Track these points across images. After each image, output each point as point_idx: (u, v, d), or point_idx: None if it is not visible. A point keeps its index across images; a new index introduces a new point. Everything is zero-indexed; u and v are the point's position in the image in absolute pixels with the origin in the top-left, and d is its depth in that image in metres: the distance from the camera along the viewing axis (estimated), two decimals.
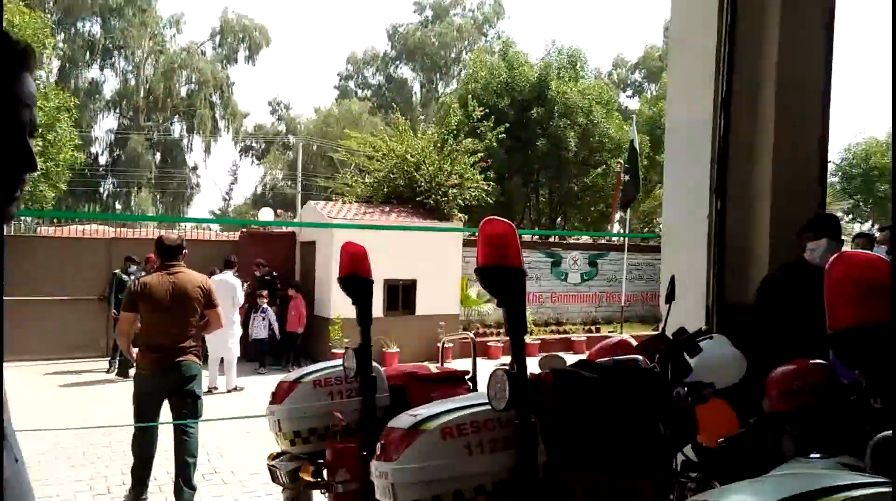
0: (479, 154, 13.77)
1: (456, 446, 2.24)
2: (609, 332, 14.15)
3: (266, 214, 13.43)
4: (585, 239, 16.52)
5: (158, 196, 39.74)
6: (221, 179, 64.45)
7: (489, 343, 12.74)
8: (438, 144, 13.26)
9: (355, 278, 3.21)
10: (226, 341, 9.00)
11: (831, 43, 3.84)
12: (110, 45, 39.42)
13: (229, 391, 9.15)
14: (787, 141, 3.72)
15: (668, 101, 4.61)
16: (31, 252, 11.42)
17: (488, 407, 2.18)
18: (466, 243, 12.85)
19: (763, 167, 3.73)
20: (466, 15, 49.53)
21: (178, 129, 43.41)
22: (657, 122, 19.32)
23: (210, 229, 14.72)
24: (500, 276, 2.09)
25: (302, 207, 16.23)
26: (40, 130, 10.12)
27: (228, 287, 9.05)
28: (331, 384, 3.25)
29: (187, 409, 4.58)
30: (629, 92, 44.68)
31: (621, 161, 18.16)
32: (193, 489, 4.57)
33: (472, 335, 4.45)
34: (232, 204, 51.08)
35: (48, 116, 10.15)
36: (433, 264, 12.18)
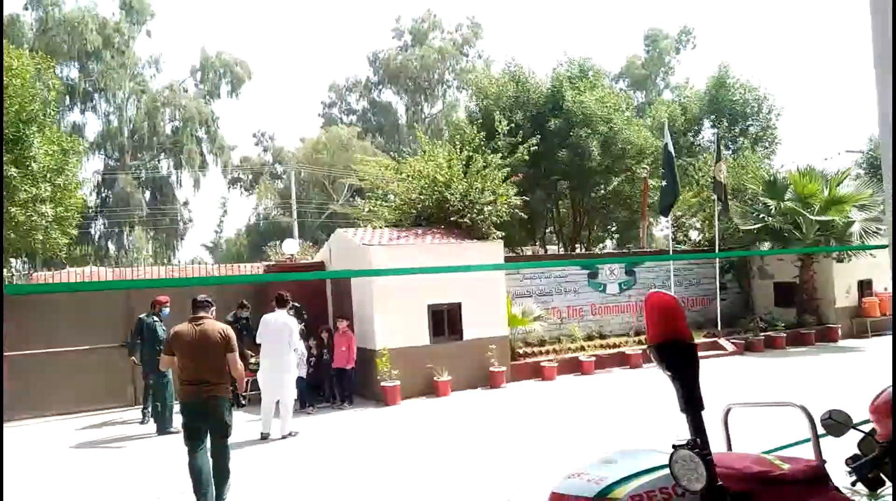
0: (507, 169, 13.22)
1: None
2: None
3: (290, 246, 12.71)
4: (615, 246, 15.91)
5: (151, 233, 38.82)
6: (211, 212, 63.45)
7: (542, 364, 12.06)
8: (463, 163, 12.69)
9: (675, 345, 2.09)
10: (281, 382, 8.28)
11: None
12: (90, 89, 38.75)
13: (284, 437, 8.37)
14: None
15: (880, 118, 4.02)
16: (43, 303, 10.66)
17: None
18: (516, 260, 12.26)
19: None
20: (445, 38, 49.62)
21: (165, 166, 42.68)
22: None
23: (205, 264, 14.08)
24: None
25: (298, 234, 15.53)
26: (48, 176, 9.42)
27: (282, 327, 8.32)
28: None
29: (219, 434, 5.71)
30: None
31: (647, 167, 17.74)
32: (223, 497, 5.66)
33: None
34: (223, 236, 50.23)
35: (56, 160, 9.43)
36: (476, 285, 11.53)
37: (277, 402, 8.41)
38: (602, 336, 14.23)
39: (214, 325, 5.82)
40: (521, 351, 12.51)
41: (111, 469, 7.35)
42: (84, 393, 10.64)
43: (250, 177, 49.10)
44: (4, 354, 10.18)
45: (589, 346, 13.16)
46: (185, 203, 43.74)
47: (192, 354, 5.63)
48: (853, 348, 13.96)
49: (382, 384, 10.39)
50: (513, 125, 14.25)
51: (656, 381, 11.21)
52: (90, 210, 37.60)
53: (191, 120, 41.37)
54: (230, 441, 5.81)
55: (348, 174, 40.76)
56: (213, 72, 43.21)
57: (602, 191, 18.07)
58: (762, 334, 14.34)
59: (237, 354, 5.77)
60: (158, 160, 42.17)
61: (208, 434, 5.69)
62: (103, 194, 39.20)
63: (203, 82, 43.56)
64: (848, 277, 15.75)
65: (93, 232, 38.11)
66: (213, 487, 5.59)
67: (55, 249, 10.02)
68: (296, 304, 10.49)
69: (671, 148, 14.44)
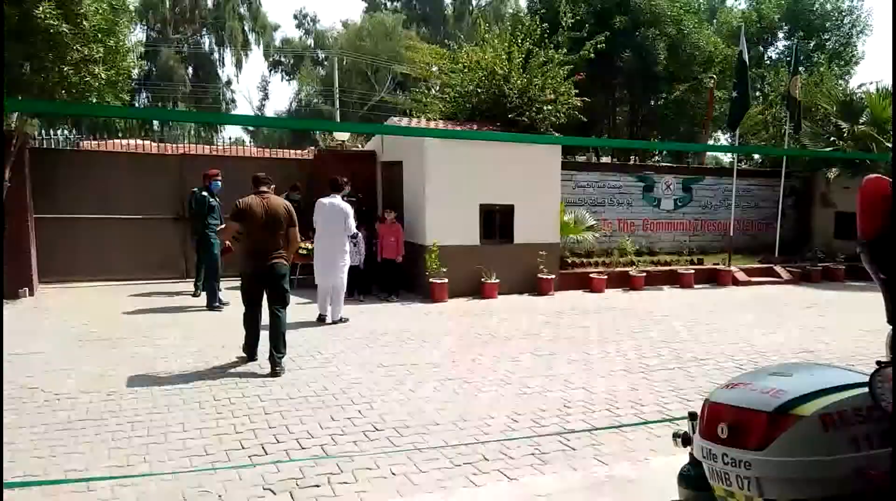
0: (570, 67, 12.47)
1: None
2: (713, 264, 13.19)
3: (341, 133, 12.37)
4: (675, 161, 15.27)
5: (194, 111, 38.58)
6: (253, 94, 62.72)
7: (591, 275, 11.85)
8: (523, 56, 11.98)
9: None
10: (336, 269, 8.24)
11: None
12: None
13: (335, 322, 8.39)
14: None
15: None
16: (103, 172, 10.63)
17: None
18: (566, 166, 11.80)
19: None
20: None
21: (207, 42, 41.80)
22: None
23: (245, 146, 13.93)
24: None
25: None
26: (99, 36, 9.02)
27: (338, 212, 8.17)
28: (850, 423, 1.96)
29: (278, 298, 6.27)
30: None
31: (713, 76, 16.74)
32: (282, 353, 6.14)
33: None
34: None
35: (106, 19, 8.99)
36: (531, 187, 11.18)
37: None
38: (652, 253, 13.91)
39: (279, 200, 6.34)
40: (567, 261, 12.29)
41: (166, 328, 7.46)
42: (138, 262, 10.76)
43: (291, 61, 48.09)
44: (64, 215, 10.29)
45: (638, 261, 12.87)
46: (228, 83, 43.23)
47: (260, 224, 6.06)
48: None
49: (431, 280, 10.29)
50: (577, 19, 13.30)
51: (709, 300, 10.97)
52: (133, 82, 37.34)
53: None
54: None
55: (392, 65, 39.76)
56: None
57: (664, 99, 17.15)
58: (820, 264, 13.85)
59: (297, 229, 6.34)
60: (200, 36, 41.29)
61: (265, 302, 6.27)
62: (146, 67, 38.76)
63: None
64: None
65: (137, 105, 37.97)
66: (270, 346, 6.09)
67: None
68: (352, 197, 10.28)
69: (745, 56, 13.45)
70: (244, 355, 6.47)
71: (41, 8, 7.74)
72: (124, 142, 13.17)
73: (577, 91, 12.23)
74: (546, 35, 12.09)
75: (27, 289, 9.28)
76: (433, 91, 13.75)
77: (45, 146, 10.67)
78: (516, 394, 5.79)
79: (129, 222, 10.76)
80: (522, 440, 4.65)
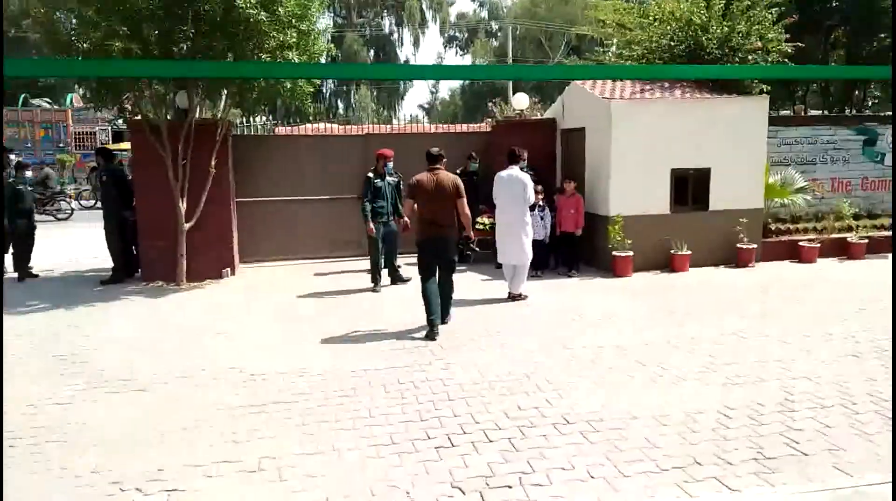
0: (779, 9, 10.94)
1: None
2: None
3: (521, 101, 11.90)
4: None
5: (374, 93, 40.23)
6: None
7: (800, 243, 10.47)
8: (723, 2, 10.68)
9: None
10: (519, 242, 7.96)
11: None
12: None
13: (513, 298, 8.08)
14: None
15: None
16: (291, 154, 11.14)
17: None
18: (773, 121, 10.44)
19: None
20: None
21: (387, 23, 43.23)
22: None
23: (421, 123, 13.86)
24: None
25: (513, 94, 14.47)
26: (293, 21, 9.26)
27: (516, 182, 7.84)
28: None
29: (446, 265, 6.88)
30: None
31: None
32: (448, 314, 6.96)
33: None
34: (438, 97, 50.86)
35: (299, 4, 9.20)
36: (730, 148, 10.01)
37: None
38: (872, 215, 12.01)
39: (447, 174, 6.84)
40: (770, 228, 10.94)
41: (349, 308, 7.61)
42: (325, 240, 11.22)
43: (466, 35, 48.41)
44: (261, 198, 10.95)
45: (856, 226, 11.14)
46: (406, 62, 44.48)
47: (429, 198, 6.68)
48: None
49: (614, 253, 9.62)
50: None
51: None
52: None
53: None
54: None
55: (567, 28, 38.46)
56: None
57: (888, 39, 14.66)
58: None
59: (464, 200, 6.78)
60: (381, 18, 42.78)
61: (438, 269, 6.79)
62: (333, 53, 40.97)
63: None
64: None
65: (324, 91, 40.36)
66: (440, 309, 6.71)
67: (302, 97, 10.12)
68: (529, 170, 9.83)
69: None
70: (428, 331, 6.58)
71: None
72: (312, 126, 13.75)
73: (787, 36, 10.75)
74: None
75: (230, 269, 9.99)
76: (611, 50, 12.82)
77: (245, 134, 11.39)
78: (724, 383, 5.11)
79: (318, 203, 11.21)
80: (740, 441, 4.01)
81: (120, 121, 10.19)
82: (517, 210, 7.95)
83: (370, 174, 8.95)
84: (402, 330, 6.81)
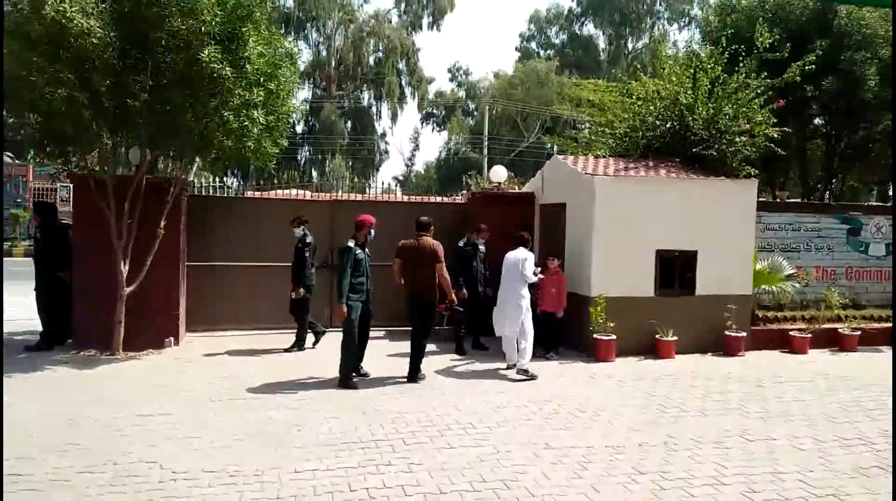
0: (768, 93, 10.73)
1: None
2: None
3: (498, 173, 11.41)
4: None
5: (350, 163, 40.07)
6: (404, 146, 65.01)
7: (791, 333, 9.89)
8: (708, 85, 10.45)
9: None
10: (515, 319, 8.10)
11: None
12: (303, 17, 39.98)
13: (519, 372, 8.00)
14: None
15: None
16: (254, 216, 10.42)
17: None
18: (758, 207, 10.06)
19: None
20: None
21: (366, 97, 43.59)
22: None
23: (394, 192, 13.42)
24: None
25: (489, 170, 14.07)
26: (261, 80, 8.71)
27: (519, 260, 8.28)
28: None
29: (424, 323, 7.55)
30: None
31: None
32: (417, 374, 7.57)
33: None
34: (413, 170, 51.03)
35: (269, 64, 8.67)
36: (718, 231, 9.55)
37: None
38: (857, 306, 11.60)
39: (429, 240, 7.46)
40: (758, 315, 10.39)
41: (302, 388, 6.70)
42: (283, 310, 10.24)
43: (443, 113, 49.05)
44: (215, 262, 10.10)
45: (845, 316, 10.66)
46: (383, 135, 44.69)
47: (411, 262, 7.45)
48: None
49: (595, 336, 8.91)
50: (773, 42, 11.57)
51: None
52: (298, 137, 39.60)
53: (393, 51, 41.71)
54: None
55: (543, 110, 39.06)
56: (416, 2, 43.00)
57: (868, 130, 14.63)
58: None
59: (443, 264, 7.42)
60: (360, 91, 43.13)
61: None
62: (311, 122, 40.95)
63: (406, 13, 43.54)
64: None
65: (299, 158, 40.09)
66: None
67: (266, 158, 9.44)
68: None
69: None
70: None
71: (206, 52, 7.54)
72: (282, 192, 13.07)
73: (775, 121, 10.50)
74: (741, 57, 10.55)
75: (173, 339, 9.03)
76: (586, 130, 12.50)
77: (202, 194, 10.63)
78: (740, 497, 4.31)
79: (278, 270, 10.35)
80: None
81: (63, 173, 9.30)
82: (513, 285, 8.22)
83: (350, 244, 7.47)
84: (360, 420, 5.91)
